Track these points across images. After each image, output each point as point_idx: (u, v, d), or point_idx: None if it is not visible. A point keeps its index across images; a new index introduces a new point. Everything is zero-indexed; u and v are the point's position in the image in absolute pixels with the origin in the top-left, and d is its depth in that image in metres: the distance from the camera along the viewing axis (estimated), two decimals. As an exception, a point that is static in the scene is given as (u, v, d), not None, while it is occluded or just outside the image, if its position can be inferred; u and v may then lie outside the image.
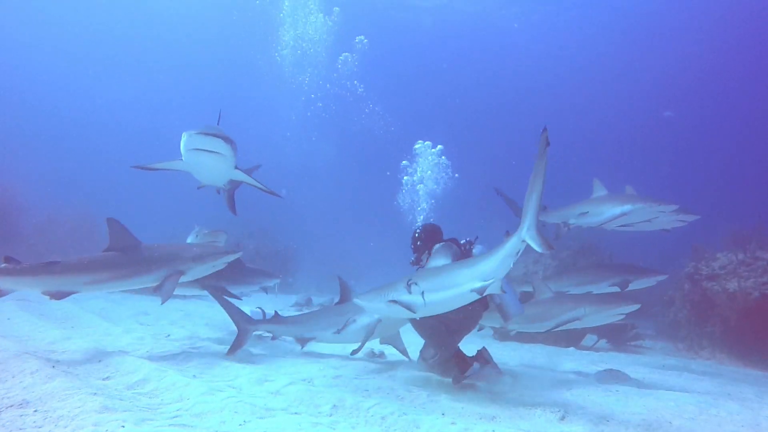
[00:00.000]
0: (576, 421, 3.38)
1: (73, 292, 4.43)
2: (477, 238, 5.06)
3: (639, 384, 4.95)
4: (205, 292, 5.56)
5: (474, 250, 4.92)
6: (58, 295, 4.39)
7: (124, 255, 4.58)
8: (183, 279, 4.66)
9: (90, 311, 7.16)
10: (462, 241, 5.04)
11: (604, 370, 5.49)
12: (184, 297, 10.94)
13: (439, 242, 4.85)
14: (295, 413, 3.15)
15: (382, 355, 5.54)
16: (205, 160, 4.76)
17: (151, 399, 3.30)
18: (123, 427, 2.59)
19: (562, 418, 3.44)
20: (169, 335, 5.91)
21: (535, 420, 3.42)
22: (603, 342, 7.97)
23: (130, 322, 6.79)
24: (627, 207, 6.60)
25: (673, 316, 8.57)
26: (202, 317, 8.07)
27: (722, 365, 6.64)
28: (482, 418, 3.34)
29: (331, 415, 3.23)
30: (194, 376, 3.95)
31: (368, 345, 5.04)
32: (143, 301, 9.42)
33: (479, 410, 3.47)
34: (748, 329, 6.90)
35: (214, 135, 4.65)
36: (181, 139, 4.80)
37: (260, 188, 5.39)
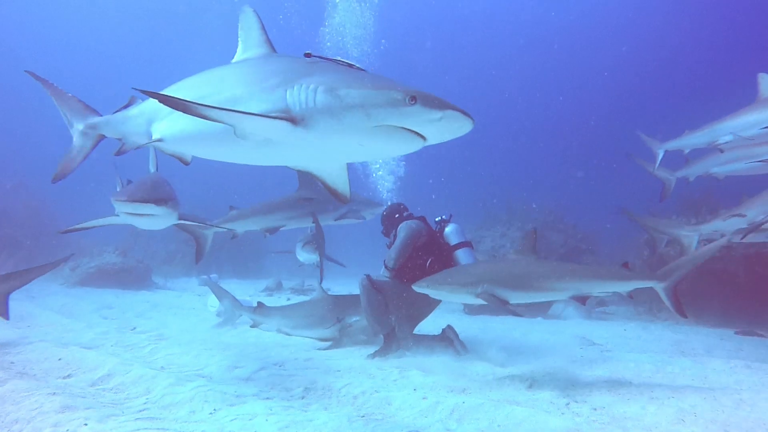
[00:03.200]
0: (543, 388, 3.49)
1: (281, 227, 5.52)
2: (451, 216, 5.10)
3: (602, 349, 5.17)
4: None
5: (447, 229, 4.96)
6: (272, 231, 5.52)
7: (314, 195, 5.48)
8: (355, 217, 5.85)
9: (48, 309, 6.84)
10: (437, 219, 5.10)
11: (571, 338, 5.71)
12: (154, 288, 10.65)
13: (406, 220, 4.95)
14: (267, 398, 3.13)
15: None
16: (143, 220, 4.17)
17: (116, 394, 3.20)
18: (86, 425, 2.50)
19: (530, 386, 3.55)
20: (135, 328, 5.74)
21: (504, 389, 3.52)
22: (570, 310, 8.25)
23: (93, 317, 6.56)
24: None
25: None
26: (169, 307, 7.89)
27: (677, 325, 7.01)
28: (453, 390, 3.41)
29: (303, 398, 3.23)
30: (162, 367, 3.86)
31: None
32: (106, 295, 9.11)
33: (450, 384, 3.53)
34: (700, 290, 7.28)
35: (144, 200, 3.85)
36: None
37: (202, 223, 5.24)
